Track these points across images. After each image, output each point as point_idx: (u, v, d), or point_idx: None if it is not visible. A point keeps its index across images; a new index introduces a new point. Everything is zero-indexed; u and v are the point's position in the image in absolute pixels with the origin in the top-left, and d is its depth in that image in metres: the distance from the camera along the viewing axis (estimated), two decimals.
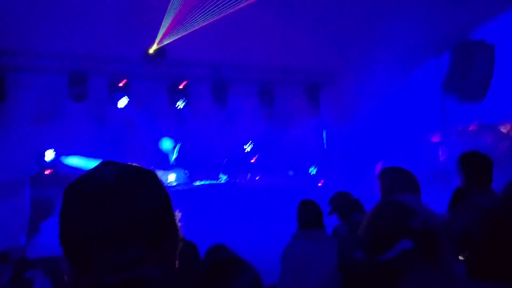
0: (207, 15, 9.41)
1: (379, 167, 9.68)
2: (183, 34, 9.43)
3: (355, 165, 9.26)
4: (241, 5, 9.09)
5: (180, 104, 9.99)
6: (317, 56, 10.62)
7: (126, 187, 0.88)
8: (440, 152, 8.60)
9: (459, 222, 2.69)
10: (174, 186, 8.82)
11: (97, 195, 0.86)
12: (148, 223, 0.87)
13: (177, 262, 0.93)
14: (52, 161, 8.49)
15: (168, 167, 9.71)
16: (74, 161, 8.94)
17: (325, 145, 10.78)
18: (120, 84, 9.47)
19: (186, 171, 9.26)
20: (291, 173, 9.75)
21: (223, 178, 8.86)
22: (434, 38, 8.63)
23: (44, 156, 8.35)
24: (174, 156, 9.43)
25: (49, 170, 8.35)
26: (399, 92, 8.67)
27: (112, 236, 0.84)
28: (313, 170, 9.90)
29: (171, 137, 9.83)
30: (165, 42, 9.68)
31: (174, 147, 9.58)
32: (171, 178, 9.34)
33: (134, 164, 0.95)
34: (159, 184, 0.94)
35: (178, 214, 0.95)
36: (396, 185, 2.85)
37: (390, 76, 8.59)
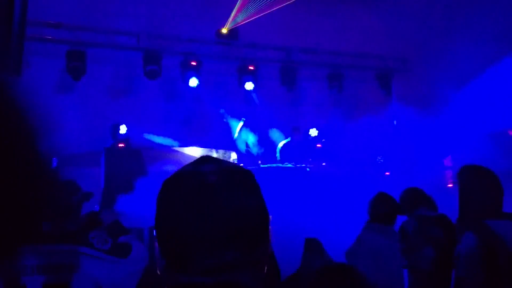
0: None
1: (448, 160, 9.24)
2: (256, 16, 9.41)
3: (424, 156, 8.88)
4: None
5: (249, 85, 10.04)
6: (391, 40, 10.21)
7: (229, 188, 0.87)
8: None
9: None
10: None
11: (200, 194, 0.85)
12: (247, 226, 0.86)
13: (266, 267, 0.92)
14: (125, 135, 8.88)
15: (233, 148, 9.85)
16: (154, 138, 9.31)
17: (395, 134, 10.41)
18: (192, 63, 9.66)
19: (252, 152, 9.34)
20: (380, 159, 9.51)
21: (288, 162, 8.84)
22: None
23: (118, 129, 8.75)
24: (237, 133, 9.53)
25: (122, 144, 8.74)
26: (480, 83, 8.15)
27: (213, 237, 0.84)
28: (380, 159, 9.61)
29: (238, 117, 9.91)
30: (238, 23, 9.72)
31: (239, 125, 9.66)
32: (234, 156, 9.46)
33: (232, 162, 0.93)
34: (257, 186, 0.92)
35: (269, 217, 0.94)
36: (482, 195, 2.59)
37: (471, 65, 8.07)
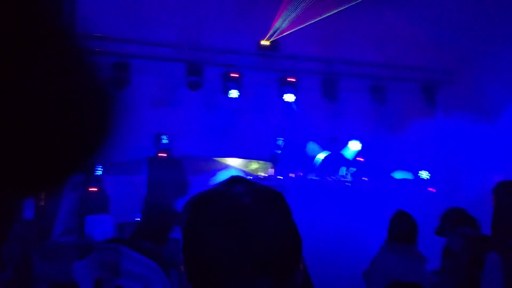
0: (321, 10, 9.27)
1: (497, 179, 8.82)
2: (297, 27, 9.41)
3: (471, 173, 8.54)
4: (357, 1, 8.82)
5: (289, 97, 10.02)
6: (435, 52, 9.94)
7: (263, 210, 0.81)
8: None
9: None
10: (277, 178, 8.85)
11: (233, 217, 0.80)
12: (282, 252, 0.81)
13: None
14: (167, 144, 9.03)
15: (269, 159, 9.82)
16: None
17: (440, 149, 10.08)
18: (233, 75, 9.75)
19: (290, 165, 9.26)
20: (425, 175, 9.24)
21: (328, 175, 8.69)
22: None
23: (161, 139, 8.92)
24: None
25: (164, 153, 8.90)
26: None
27: (246, 264, 0.78)
28: (426, 175, 9.32)
29: (277, 129, 9.89)
30: (278, 35, 9.74)
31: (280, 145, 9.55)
32: (271, 171, 9.42)
33: (263, 184, 0.88)
34: (289, 209, 0.86)
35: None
36: None
37: None
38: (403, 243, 3.44)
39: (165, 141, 8.95)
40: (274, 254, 0.79)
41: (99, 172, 8.46)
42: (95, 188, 8.37)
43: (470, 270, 3.31)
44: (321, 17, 9.33)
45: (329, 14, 9.26)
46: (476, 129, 8.43)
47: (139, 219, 8.40)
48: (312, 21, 9.40)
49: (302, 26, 9.49)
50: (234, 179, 0.86)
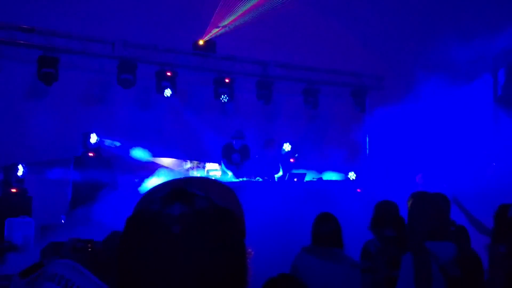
0: (258, 11, 9.38)
1: (419, 178, 9.39)
2: (233, 28, 9.44)
3: (396, 174, 9.00)
4: (292, 4, 9.01)
5: (225, 98, 10.03)
6: (366, 58, 10.41)
7: (192, 244, 0.74)
8: (488, 169, 8.23)
9: None
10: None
11: (160, 248, 0.74)
12: (218, 285, 0.74)
13: None
14: (96, 144, 8.70)
15: (207, 160, 9.77)
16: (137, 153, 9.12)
17: (367, 151, 10.54)
18: (168, 74, 9.60)
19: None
20: (351, 176, 9.53)
21: (259, 177, 8.75)
22: (491, 53, 8.31)
23: (89, 138, 8.57)
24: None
25: (92, 153, 8.56)
26: (450, 104, 8.36)
27: None
28: (352, 176, 9.69)
29: (213, 129, 9.84)
30: (215, 35, 9.73)
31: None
32: (208, 167, 9.36)
33: (209, 199, 0.78)
34: (235, 232, 0.79)
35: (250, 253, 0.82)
36: (424, 220, 2.88)
37: (442, 87, 8.28)
38: (327, 246, 3.47)
39: (93, 140, 8.60)
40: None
41: (20, 172, 7.97)
42: (16, 189, 7.89)
43: (387, 270, 3.48)
44: (258, 20, 9.44)
45: (265, 17, 9.39)
46: (404, 132, 8.90)
47: (63, 221, 8.06)
48: (249, 23, 9.48)
49: (238, 27, 9.55)
50: (174, 194, 0.79)
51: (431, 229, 2.81)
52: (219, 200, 0.79)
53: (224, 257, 0.76)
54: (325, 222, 3.55)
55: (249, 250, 0.81)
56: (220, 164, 8.91)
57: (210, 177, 0.93)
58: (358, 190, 9.20)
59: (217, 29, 9.77)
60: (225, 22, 9.68)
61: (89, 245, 2.53)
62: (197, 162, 10.14)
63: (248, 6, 9.41)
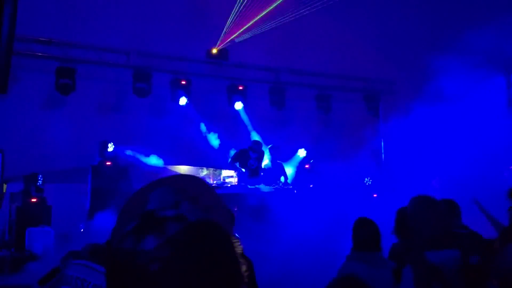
0: (270, 20, 9.44)
1: (435, 182, 9.29)
2: (246, 37, 9.52)
3: (412, 178, 8.93)
4: (304, 12, 9.05)
5: (238, 105, 10.09)
6: (378, 63, 10.39)
7: (176, 273, 0.72)
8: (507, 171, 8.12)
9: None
10: (229, 186, 8.81)
11: (139, 286, 0.72)
12: None
13: None
14: (112, 152, 8.81)
15: (221, 166, 9.80)
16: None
17: (382, 156, 10.48)
18: (182, 82, 9.70)
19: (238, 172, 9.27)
20: (368, 181, 9.47)
21: (277, 183, 8.73)
22: (504, 56, 8.23)
23: (106, 147, 8.69)
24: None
25: (109, 162, 8.67)
26: (464, 107, 8.28)
27: None
28: (368, 181, 9.64)
29: (227, 136, 9.91)
30: (228, 44, 9.81)
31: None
32: (224, 174, 9.39)
33: (181, 216, 0.77)
34: (218, 248, 0.76)
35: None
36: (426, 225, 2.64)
37: (455, 90, 8.21)
38: (369, 250, 3.42)
39: (110, 149, 8.71)
40: None
41: (40, 181, 8.11)
42: (36, 198, 8.01)
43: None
44: (270, 27, 9.50)
45: (277, 24, 9.44)
46: (418, 136, 8.85)
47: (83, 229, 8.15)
48: (261, 31, 9.54)
49: (251, 35, 9.62)
50: (144, 225, 0.75)
51: (433, 237, 2.60)
52: (194, 210, 0.76)
53: (208, 276, 0.73)
54: (365, 226, 3.55)
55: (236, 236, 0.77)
56: (235, 170, 8.95)
57: (188, 176, 0.88)
58: (375, 195, 9.15)
59: (229, 38, 9.85)
60: (238, 30, 9.76)
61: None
62: (213, 169, 10.19)
63: (260, 14, 9.47)
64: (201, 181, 0.88)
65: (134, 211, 0.79)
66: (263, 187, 8.31)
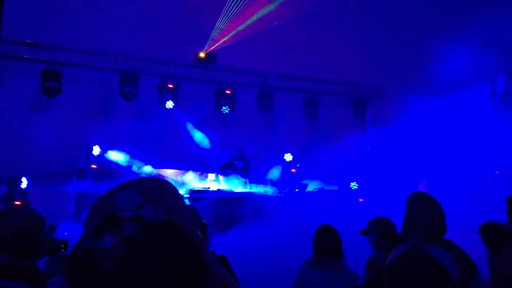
0: (258, 25, 9.48)
1: (422, 187, 9.38)
2: (234, 41, 9.53)
3: (397, 183, 9.01)
4: (293, 17, 9.11)
5: (226, 109, 10.10)
6: (366, 69, 10.48)
7: (130, 273, 0.73)
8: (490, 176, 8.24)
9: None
10: (211, 191, 8.79)
11: (97, 286, 0.74)
12: None
13: None
14: (98, 156, 8.74)
15: (204, 170, 9.77)
16: (118, 157, 9.14)
17: (368, 161, 10.55)
18: (170, 86, 9.67)
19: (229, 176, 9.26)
20: (354, 186, 9.54)
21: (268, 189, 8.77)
22: (489, 62, 8.37)
23: (91, 150, 8.62)
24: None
25: (95, 165, 8.60)
26: (450, 112, 8.39)
27: None
28: (354, 185, 9.70)
29: (215, 140, 9.90)
30: (216, 48, 9.82)
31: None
32: (211, 177, 9.39)
33: (140, 217, 0.77)
34: (175, 248, 0.77)
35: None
36: (421, 221, 2.63)
37: (441, 96, 8.33)
38: (329, 256, 3.43)
39: (96, 152, 8.65)
40: None
41: (24, 184, 8.01)
42: (19, 201, 7.91)
43: None
44: (258, 32, 9.53)
45: (265, 29, 9.48)
46: (405, 140, 8.93)
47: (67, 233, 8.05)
48: (249, 35, 9.57)
49: (239, 39, 9.64)
50: (103, 224, 0.78)
51: (426, 232, 2.53)
52: (156, 212, 0.78)
53: (164, 275, 0.74)
54: (325, 234, 3.55)
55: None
56: (217, 175, 8.98)
57: (153, 178, 0.91)
58: (360, 199, 9.20)
59: (217, 42, 9.87)
60: (226, 34, 9.78)
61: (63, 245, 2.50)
62: (199, 172, 10.16)
63: (249, 19, 9.51)
64: (166, 183, 0.89)
65: (99, 213, 0.80)
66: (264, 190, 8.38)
